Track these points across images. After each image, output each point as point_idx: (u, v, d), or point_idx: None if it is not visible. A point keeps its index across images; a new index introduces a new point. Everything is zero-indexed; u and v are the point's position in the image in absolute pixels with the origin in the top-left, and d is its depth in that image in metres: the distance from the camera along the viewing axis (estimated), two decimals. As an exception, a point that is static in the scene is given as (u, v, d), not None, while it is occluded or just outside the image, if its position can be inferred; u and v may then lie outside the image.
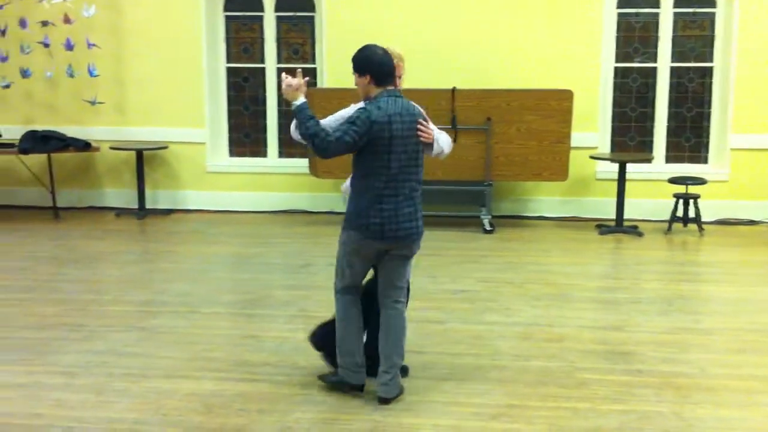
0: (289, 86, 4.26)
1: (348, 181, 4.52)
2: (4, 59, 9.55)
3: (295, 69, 4.51)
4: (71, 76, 9.57)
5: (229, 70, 9.96)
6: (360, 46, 4.35)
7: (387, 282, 4.42)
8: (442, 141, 4.47)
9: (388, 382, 4.36)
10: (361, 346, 4.44)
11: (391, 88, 4.31)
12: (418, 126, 4.31)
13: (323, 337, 4.67)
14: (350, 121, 4.15)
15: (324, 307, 5.99)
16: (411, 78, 9.09)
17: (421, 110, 4.45)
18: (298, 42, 9.86)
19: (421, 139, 4.31)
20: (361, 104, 4.36)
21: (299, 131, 4.23)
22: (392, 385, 4.37)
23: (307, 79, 4.35)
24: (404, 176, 4.25)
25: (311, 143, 4.15)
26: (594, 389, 4.55)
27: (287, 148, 9.98)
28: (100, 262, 7.44)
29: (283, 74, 4.39)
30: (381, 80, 4.26)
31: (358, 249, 4.28)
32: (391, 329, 4.41)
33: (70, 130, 9.58)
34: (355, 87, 4.35)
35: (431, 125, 4.39)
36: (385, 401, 4.34)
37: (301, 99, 4.22)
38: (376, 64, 4.24)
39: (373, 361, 4.46)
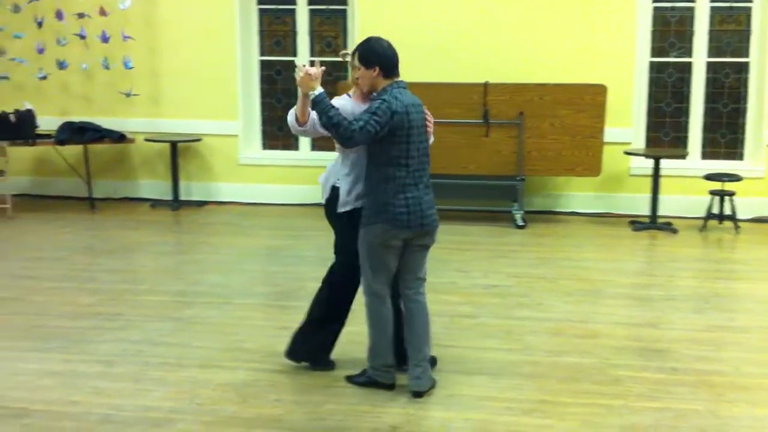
0: (308, 75, 4.21)
1: (325, 174, 4.51)
2: (41, 51, 9.66)
3: (314, 62, 4.47)
4: (107, 68, 9.67)
5: (262, 63, 10.01)
6: (391, 39, 4.34)
7: (408, 274, 4.44)
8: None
9: (421, 375, 4.37)
10: (391, 348, 4.45)
11: (398, 79, 4.32)
12: (426, 117, 4.38)
13: (299, 348, 4.71)
14: (371, 111, 4.15)
15: (355, 299, 6.01)
16: (443, 72, 9.11)
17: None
18: (331, 35, 9.88)
19: (427, 129, 4.39)
20: (346, 95, 4.46)
21: (321, 121, 4.20)
22: (425, 378, 4.38)
23: (323, 68, 4.32)
24: (422, 165, 4.31)
25: (335, 132, 4.15)
26: (628, 386, 4.53)
27: (319, 141, 10.01)
28: (135, 252, 7.53)
29: (300, 63, 4.36)
30: (389, 72, 4.28)
31: (385, 242, 4.27)
32: (417, 321, 4.43)
33: (106, 122, 9.69)
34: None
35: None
36: (418, 395, 4.36)
37: (319, 89, 4.20)
38: (383, 56, 4.26)
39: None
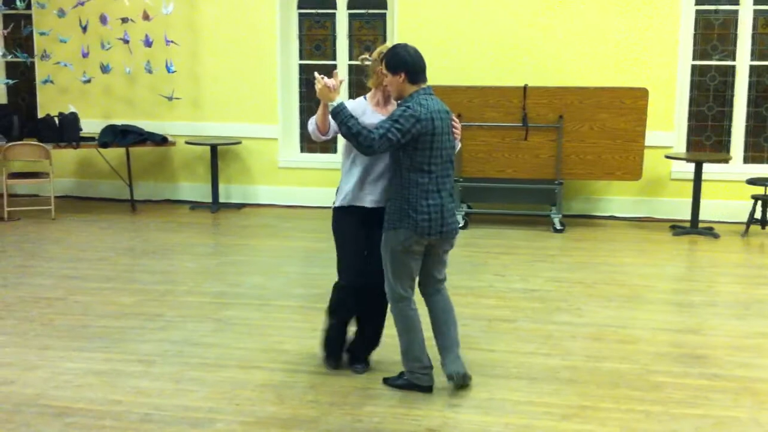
0: (326, 87, 4.24)
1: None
2: (86, 55, 9.83)
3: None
4: (149, 72, 9.80)
5: (302, 67, 10.07)
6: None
7: (427, 277, 4.50)
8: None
9: (454, 360, 4.45)
10: (425, 348, 4.46)
11: (425, 85, 4.32)
12: (453, 123, 4.38)
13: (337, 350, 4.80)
14: (393, 118, 4.16)
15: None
16: (483, 75, 9.10)
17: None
18: (370, 39, 9.92)
19: (454, 136, 4.39)
20: (362, 98, 4.54)
21: (341, 131, 4.23)
22: (458, 363, 4.44)
23: (342, 80, 4.36)
24: (446, 172, 4.32)
25: (355, 142, 4.17)
26: (668, 393, 4.48)
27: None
28: (176, 253, 7.61)
29: (316, 73, 4.33)
30: (415, 78, 4.28)
31: (408, 247, 4.28)
32: (442, 311, 4.51)
33: (148, 125, 9.83)
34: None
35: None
36: (451, 378, 4.42)
37: (337, 100, 4.23)
38: (410, 63, 4.25)
39: (353, 354, 4.77)
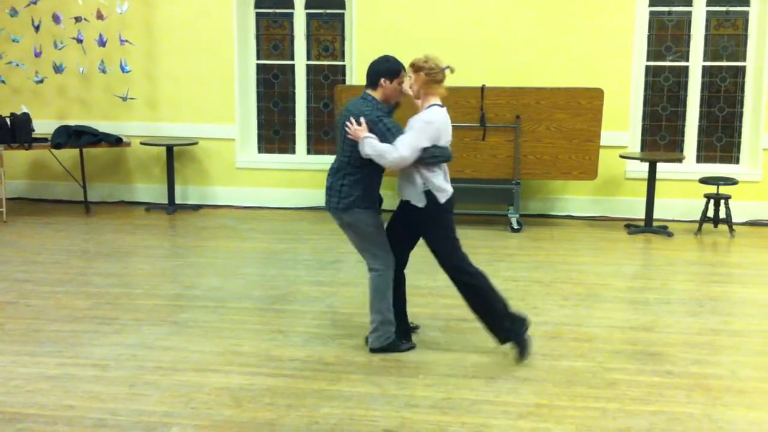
0: (356, 131, 4.78)
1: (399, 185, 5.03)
2: (38, 54, 9.66)
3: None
4: (104, 71, 9.67)
5: (259, 67, 10.02)
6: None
7: None
8: (367, 147, 4.75)
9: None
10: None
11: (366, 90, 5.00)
12: (347, 123, 4.86)
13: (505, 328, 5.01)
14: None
15: (352, 303, 6.02)
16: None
17: (363, 112, 4.85)
18: (328, 39, 9.89)
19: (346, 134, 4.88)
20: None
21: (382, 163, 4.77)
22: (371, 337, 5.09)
23: (364, 126, 4.80)
24: (337, 156, 5.01)
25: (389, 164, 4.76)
26: (623, 390, 4.53)
27: (316, 145, 10.02)
28: (131, 256, 7.52)
29: (349, 124, 4.80)
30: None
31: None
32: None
33: (102, 126, 9.69)
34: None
35: (359, 129, 4.79)
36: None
37: (364, 133, 4.77)
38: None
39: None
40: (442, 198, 4.86)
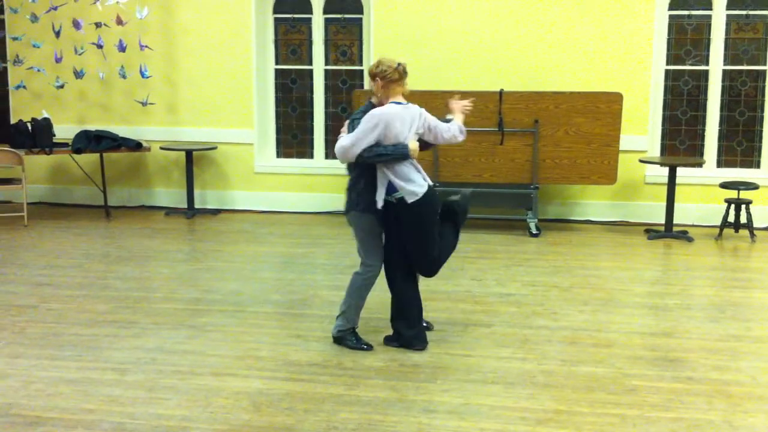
0: (413, 151, 4.93)
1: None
2: (59, 60, 9.74)
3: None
4: (123, 77, 9.73)
5: (278, 72, 10.05)
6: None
7: None
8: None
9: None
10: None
11: None
12: None
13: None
14: None
15: (370, 308, 6.01)
16: (459, 80, 9.11)
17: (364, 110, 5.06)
18: (346, 44, 9.91)
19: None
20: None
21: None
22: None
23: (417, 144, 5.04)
24: None
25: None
26: (643, 396, 4.50)
27: (333, 150, 10.01)
28: (151, 260, 7.55)
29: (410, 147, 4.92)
30: None
31: None
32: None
33: (122, 130, 9.76)
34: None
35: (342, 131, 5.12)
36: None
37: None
38: None
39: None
40: (410, 198, 4.93)
